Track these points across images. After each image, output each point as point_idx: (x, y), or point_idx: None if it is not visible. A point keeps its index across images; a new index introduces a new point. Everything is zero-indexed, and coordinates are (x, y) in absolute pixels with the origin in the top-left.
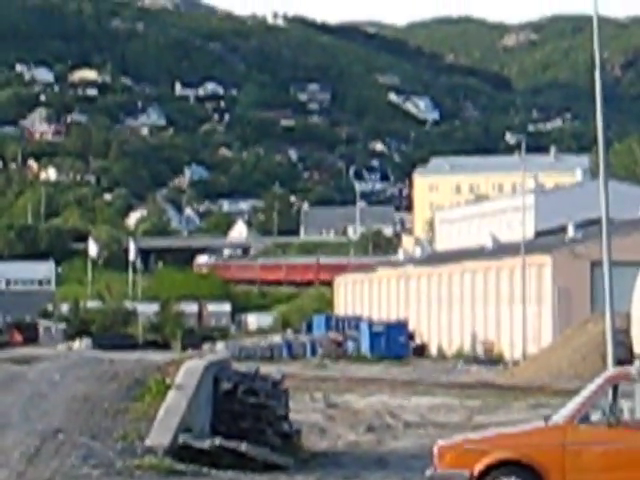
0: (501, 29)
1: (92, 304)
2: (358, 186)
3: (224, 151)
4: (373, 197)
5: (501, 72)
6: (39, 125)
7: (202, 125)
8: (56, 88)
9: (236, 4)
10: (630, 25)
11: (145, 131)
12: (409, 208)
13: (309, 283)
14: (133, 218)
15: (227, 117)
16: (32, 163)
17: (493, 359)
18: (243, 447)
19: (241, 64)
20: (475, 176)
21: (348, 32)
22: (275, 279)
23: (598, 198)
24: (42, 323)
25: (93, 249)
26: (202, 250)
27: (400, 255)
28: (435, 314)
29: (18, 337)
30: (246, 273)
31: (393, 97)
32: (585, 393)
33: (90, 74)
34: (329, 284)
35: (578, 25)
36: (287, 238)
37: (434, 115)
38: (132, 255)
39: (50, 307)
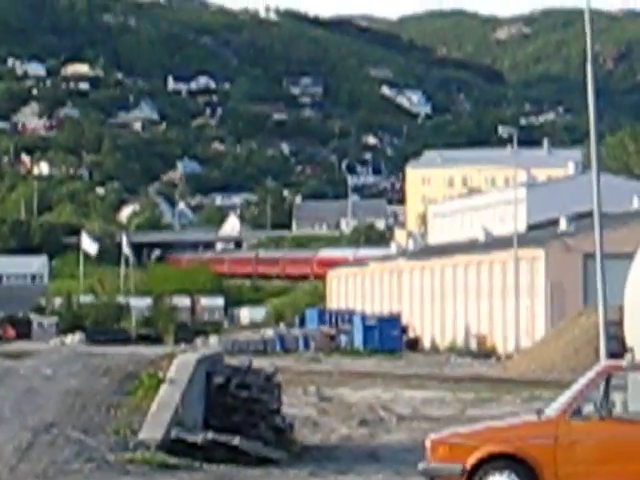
0: (493, 22)
1: (85, 299)
2: (350, 180)
3: (217, 145)
4: (365, 191)
5: (493, 65)
6: (31, 119)
7: (194, 119)
8: (48, 82)
9: None
10: (622, 18)
11: (137, 125)
12: (402, 201)
13: (305, 277)
14: (126, 212)
15: (219, 111)
16: (24, 158)
17: (486, 352)
18: (236, 441)
19: (233, 58)
20: (468, 169)
21: (340, 26)
22: (271, 273)
23: (590, 191)
24: (35, 318)
25: (88, 244)
26: (195, 244)
27: (393, 248)
28: (428, 308)
29: (11, 332)
30: (241, 267)
31: (386, 90)
32: (577, 386)
33: (82, 68)
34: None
35: (570, 18)
36: (280, 232)
37: (426, 108)
38: (125, 249)
39: (43, 302)
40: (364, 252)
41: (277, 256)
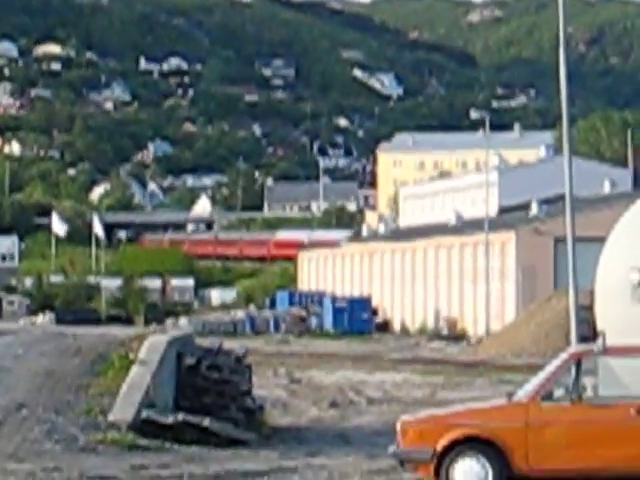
0: (466, 5)
1: (55, 279)
2: (322, 162)
3: (188, 126)
4: (337, 173)
5: (465, 48)
6: (3, 99)
7: (166, 100)
8: (20, 62)
9: None
10: (595, 2)
11: (109, 106)
12: (373, 184)
13: (263, 259)
14: (97, 193)
15: (191, 92)
16: None
17: (456, 336)
18: (206, 422)
19: (205, 39)
20: (439, 152)
21: (313, 7)
22: (229, 254)
23: (562, 175)
24: (5, 297)
25: (57, 224)
26: (166, 225)
27: (364, 231)
28: (398, 290)
29: None
30: (200, 248)
31: (357, 73)
32: (548, 370)
33: (54, 48)
34: (289, 259)
35: (542, 2)
36: (251, 213)
37: (398, 91)
38: (96, 229)
39: (13, 282)
40: (319, 234)
41: (235, 238)
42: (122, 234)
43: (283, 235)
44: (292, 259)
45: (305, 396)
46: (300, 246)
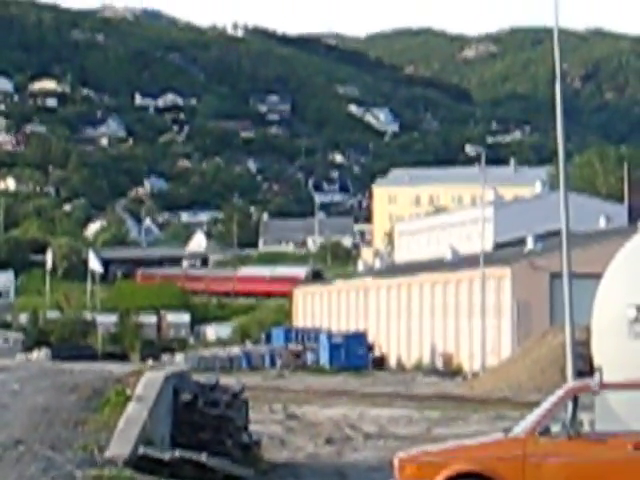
0: (461, 41)
1: (51, 314)
2: (317, 197)
3: (183, 162)
4: (332, 208)
5: (461, 84)
6: None
7: (162, 136)
8: (15, 98)
9: (196, 15)
10: (589, 37)
11: (105, 142)
12: (368, 219)
13: (227, 294)
14: (92, 229)
15: (186, 128)
16: None
17: (452, 371)
18: (203, 458)
19: (201, 75)
20: (435, 187)
21: (308, 43)
22: (197, 289)
23: (557, 210)
24: (0, 333)
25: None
26: (161, 261)
27: (359, 266)
28: (394, 326)
29: None
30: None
31: (353, 108)
32: (545, 405)
33: (50, 84)
34: (253, 294)
35: (537, 37)
36: (246, 250)
37: (394, 127)
38: (92, 264)
39: (9, 317)
40: (281, 270)
41: (202, 273)
42: (117, 270)
43: (246, 271)
44: (256, 294)
45: (301, 432)
46: (262, 281)
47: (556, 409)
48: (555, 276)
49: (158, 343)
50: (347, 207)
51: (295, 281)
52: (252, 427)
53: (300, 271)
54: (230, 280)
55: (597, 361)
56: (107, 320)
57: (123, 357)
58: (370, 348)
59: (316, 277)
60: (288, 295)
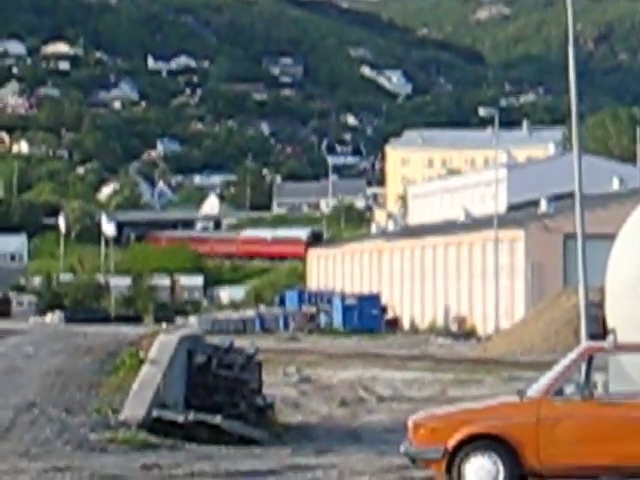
0: (473, 3)
1: (64, 277)
2: (330, 160)
3: (196, 125)
4: (345, 171)
5: (473, 46)
6: (11, 98)
7: (174, 99)
8: (28, 61)
9: None
10: None
11: (117, 105)
12: (382, 182)
13: (231, 255)
14: (105, 192)
15: (199, 91)
16: (4, 136)
17: (466, 333)
18: (217, 420)
19: (213, 37)
20: (448, 150)
21: (321, 6)
22: (202, 251)
23: (571, 172)
24: (14, 296)
25: (62, 223)
26: (174, 224)
27: (373, 229)
28: (408, 288)
29: None
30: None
31: (366, 71)
32: (559, 367)
33: (62, 47)
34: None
35: None
36: (259, 212)
37: (406, 89)
38: (105, 227)
39: (22, 281)
40: (282, 232)
41: (206, 236)
42: (131, 233)
43: (248, 234)
44: (259, 256)
45: (315, 394)
46: (264, 243)
47: (570, 371)
48: (568, 237)
49: (172, 306)
50: (360, 169)
51: (296, 243)
52: (266, 390)
53: (301, 233)
54: (233, 242)
55: (611, 323)
56: (121, 283)
57: (137, 320)
58: (383, 310)
59: (316, 239)
60: (290, 257)
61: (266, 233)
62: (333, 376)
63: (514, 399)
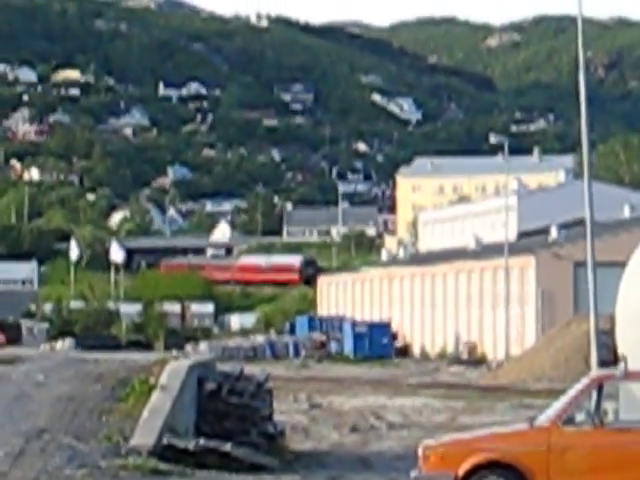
0: (484, 30)
1: (75, 304)
2: (341, 187)
3: (207, 151)
4: (356, 198)
5: (484, 73)
6: (22, 125)
7: (185, 125)
8: (39, 88)
9: (219, 4)
10: (613, 26)
11: (128, 131)
12: (392, 209)
13: (228, 282)
14: (116, 218)
15: (210, 117)
16: (15, 163)
17: (476, 360)
18: (227, 447)
19: (224, 64)
20: (458, 177)
21: (332, 32)
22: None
23: (581, 199)
24: (25, 323)
25: (74, 251)
26: (185, 250)
27: (383, 256)
28: (418, 315)
29: (1, 337)
30: (176, 271)
31: (376, 97)
32: (570, 394)
33: (73, 74)
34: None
35: (561, 26)
36: (270, 238)
37: (417, 115)
38: (114, 255)
39: (33, 307)
40: (277, 259)
41: (204, 263)
42: (141, 259)
43: (245, 260)
44: (254, 282)
45: (326, 421)
46: (258, 270)
47: (580, 398)
48: (579, 265)
49: (182, 332)
50: (371, 196)
51: (290, 270)
52: (276, 417)
53: (295, 260)
54: (230, 269)
55: (621, 350)
56: (131, 310)
57: (147, 346)
58: (394, 337)
59: (309, 265)
60: (283, 283)
61: (261, 260)
62: (344, 403)
63: (524, 427)
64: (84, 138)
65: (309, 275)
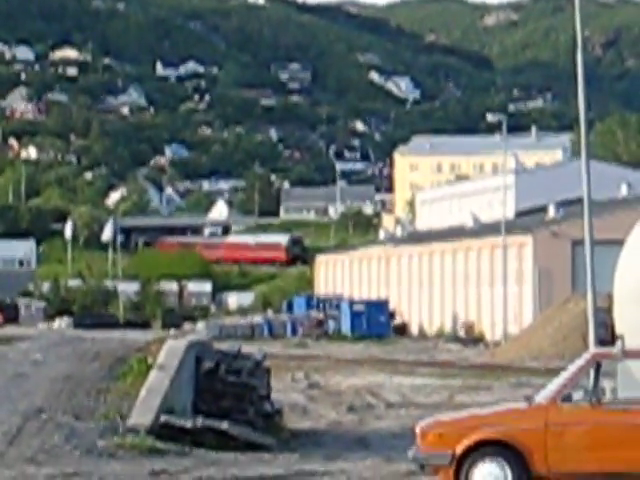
0: (482, 9)
1: (73, 283)
2: (339, 166)
3: (205, 130)
4: (354, 177)
5: (482, 52)
6: (20, 104)
7: (183, 104)
8: (37, 67)
9: None
10: (611, 4)
11: (126, 110)
12: (390, 188)
13: (218, 260)
14: (113, 197)
15: (208, 96)
16: (13, 142)
17: (474, 339)
18: (225, 426)
19: (222, 43)
20: (456, 156)
21: (329, 11)
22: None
23: (579, 177)
24: (22, 302)
25: (68, 231)
26: (183, 229)
27: (381, 235)
28: (416, 293)
29: None
30: (169, 250)
31: (374, 76)
32: (567, 373)
33: (71, 53)
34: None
35: (558, 4)
36: (268, 218)
37: (415, 94)
38: (108, 234)
39: (31, 286)
40: (264, 238)
41: (195, 241)
42: (139, 238)
43: (233, 239)
44: (242, 261)
45: (323, 400)
46: (247, 249)
47: (578, 377)
48: (577, 243)
49: (180, 311)
50: (368, 175)
51: (276, 248)
52: (274, 395)
53: (281, 239)
54: (219, 247)
55: (619, 328)
56: (129, 288)
57: (145, 325)
58: (392, 316)
59: (296, 244)
60: (271, 262)
61: (249, 239)
62: (341, 382)
63: (522, 405)
64: (82, 117)
65: (296, 254)
